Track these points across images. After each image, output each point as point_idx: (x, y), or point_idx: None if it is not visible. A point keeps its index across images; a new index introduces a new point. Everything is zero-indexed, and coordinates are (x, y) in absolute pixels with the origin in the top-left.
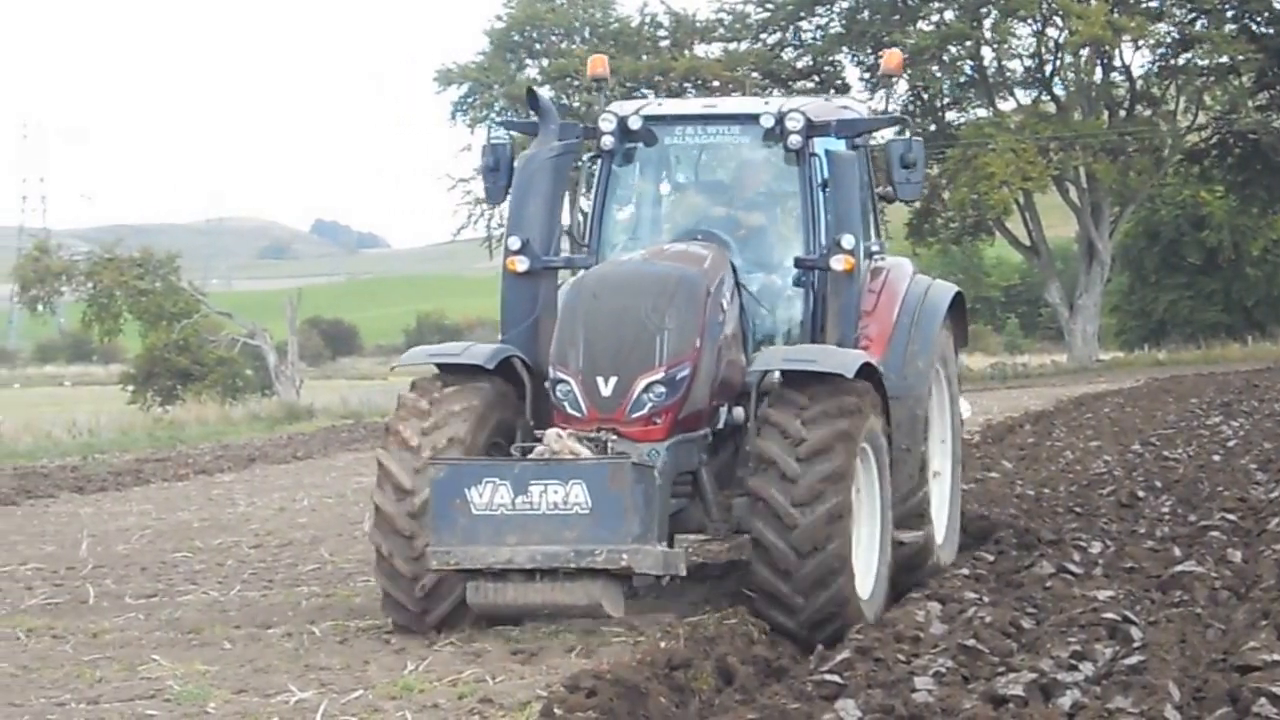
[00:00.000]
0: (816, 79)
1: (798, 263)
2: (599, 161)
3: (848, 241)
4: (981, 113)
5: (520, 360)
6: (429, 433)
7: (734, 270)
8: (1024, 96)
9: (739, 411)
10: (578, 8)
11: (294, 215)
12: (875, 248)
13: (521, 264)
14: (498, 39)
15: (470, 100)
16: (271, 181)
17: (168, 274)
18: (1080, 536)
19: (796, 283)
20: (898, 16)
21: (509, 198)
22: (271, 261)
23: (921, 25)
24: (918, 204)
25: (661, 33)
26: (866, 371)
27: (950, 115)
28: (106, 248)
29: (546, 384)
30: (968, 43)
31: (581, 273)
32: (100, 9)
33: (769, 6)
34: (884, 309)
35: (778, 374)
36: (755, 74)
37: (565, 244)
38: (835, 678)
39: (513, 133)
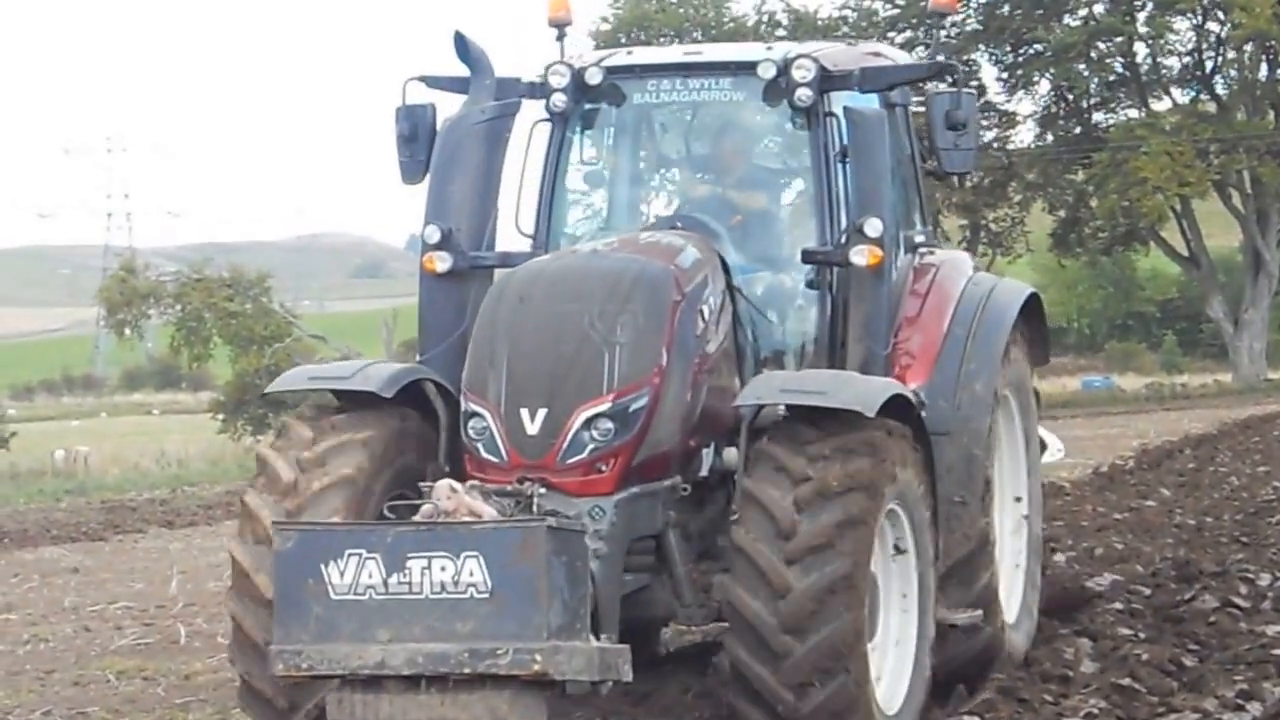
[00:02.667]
0: (950, 79)
1: (806, 257)
2: (550, 127)
3: (873, 228)
4: (1133, 113)
5: (436, 386)
6: (310, 469)
7: (725, 268)
8: (1180, 96)
9: (730, 454)
10: (689, 7)
11: (389, 232)
12: (920, 238)
13: (442, 262)
14: (604, 42)
15: None
16: (364, 196)
17: (258, 295)
18: (1247, 568)
19: (811, 284)
20: (1041, 11)
21: (428, 176)
22: (366, 280)
23: (1068, 20)
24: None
25: (780, 32)
26: (898, 405)
27: (1097, 116)
28: (195, 267)
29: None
30: (1119, 39)
31: (508, 271)
32: (188, 23)
33: (899, 3)
34: (931, 317)
35: (782, 409)
36: None
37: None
38: None
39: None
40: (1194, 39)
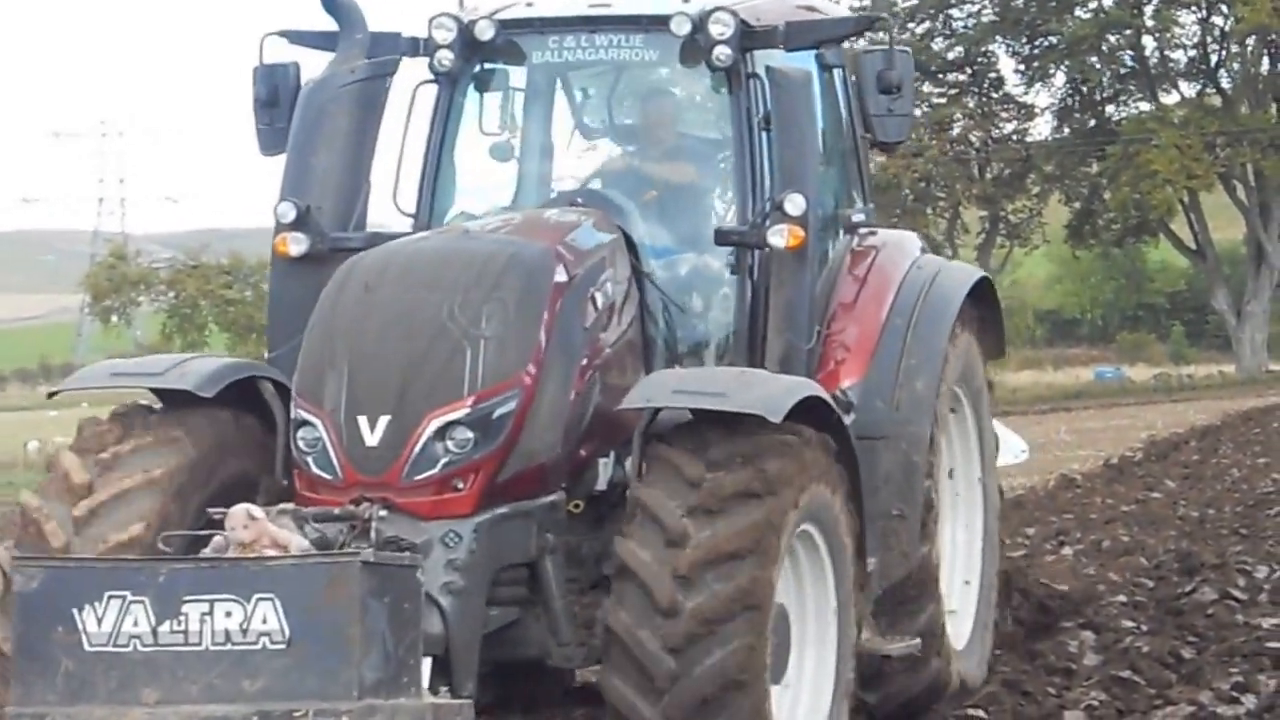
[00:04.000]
0: (969, 70)
1: (719, 237)
2: (436, 90)
3: (794, 205)
4: (1144, 106)
5: (277, 387)
6: (85, 524)
7: (631, 250)
8: (1188, 89)
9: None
10: None
11: (395, 218)
12: (860, 217)
13: (297, 244)
14: None
15: None
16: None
17: (259, 281)
18: (1245, 561)
19: (732, 269)
20: (1054, 3)
21: (288, 144)
22: None
23: (1080, 13)
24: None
25: None
26: (815, 408)
27: (1110, 110)
28: (191, 254)
29: None
30: (1128, 31)
31: (357, 255)
32: (184, 4)
33: None
34: (869, 305)
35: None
36: None
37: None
38: (979, 713)
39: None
40: (1199, 33)
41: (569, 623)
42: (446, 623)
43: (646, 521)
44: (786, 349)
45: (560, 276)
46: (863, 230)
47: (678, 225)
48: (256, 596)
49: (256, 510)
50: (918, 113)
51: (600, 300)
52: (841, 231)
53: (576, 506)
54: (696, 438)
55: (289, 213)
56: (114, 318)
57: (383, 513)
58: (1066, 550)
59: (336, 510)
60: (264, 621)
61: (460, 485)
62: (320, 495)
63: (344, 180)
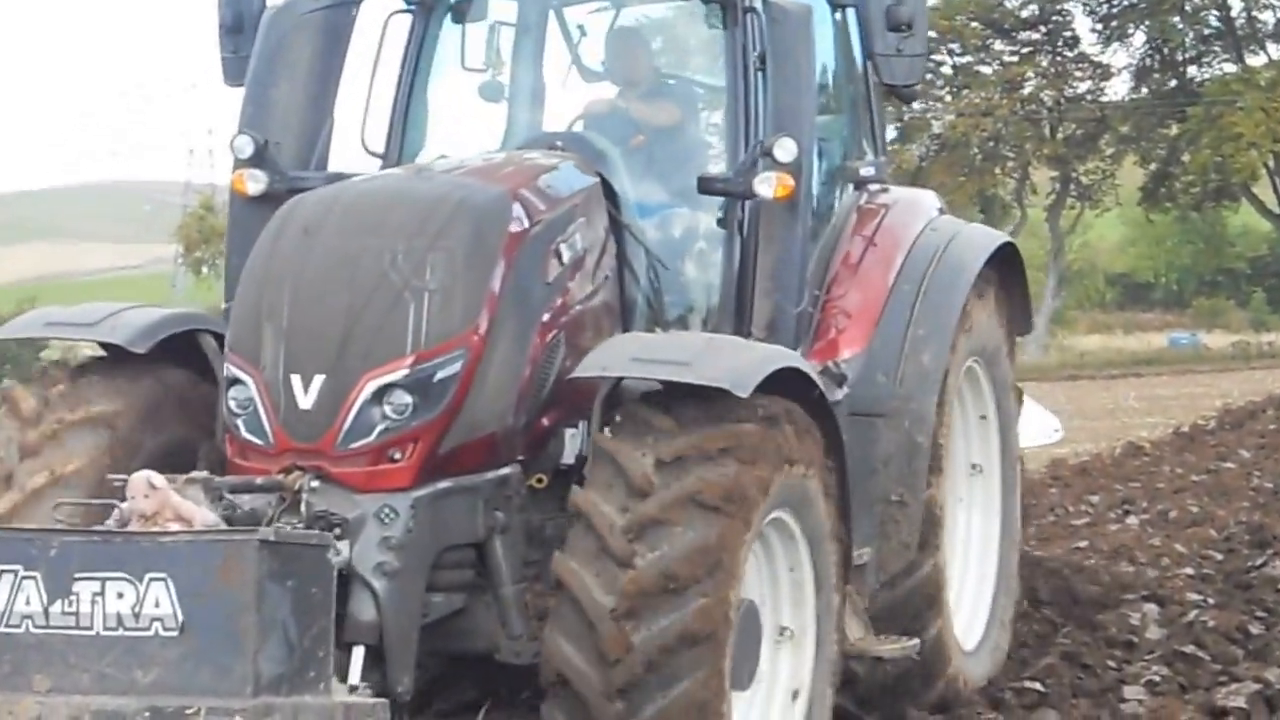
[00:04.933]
0: (1043, 29)
1: (703, 185)
2: (410, 20)
3: (785, 151)
4: (1229, 68)
5: (221, 340)
6: (28, 458)
7: (611, 199)
8: (1276, 51)
9: None
10: None
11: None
12: (869, 170)
13: (255, 182)
14: None
15: None
16: None
17: None
18: None
19: (721, 222)
20: None
21: (247, 74)
22: None
23: None
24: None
25: None
26: (797, 381)
27: (1192, 71)
28: None
29: None
30: None
31: (297, 196)
32: None
33: None
34: (875, 267)
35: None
36: (975, 23)
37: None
38: (1038, 685)
39: None
40: None
41: (520, 613)
42: (380, 608)
43: (608, 469)
44: (774, 313)
45: (517, 225)
46: (873, 186)
47: (666, 174)
48: (149, 576)
49: (158, 478)
50: (987, 70)
51: (567, 253)
52: (849, 186)
53: (540, 480)
54: (650, 420)
55: (246, 147)
56: (204, 269)
57: (314, 484)
58: (1131, 519)
59: (259, 480)
60: (156, 605)
61: (398, 455)
62: (251, 462)
63: (306, 115)
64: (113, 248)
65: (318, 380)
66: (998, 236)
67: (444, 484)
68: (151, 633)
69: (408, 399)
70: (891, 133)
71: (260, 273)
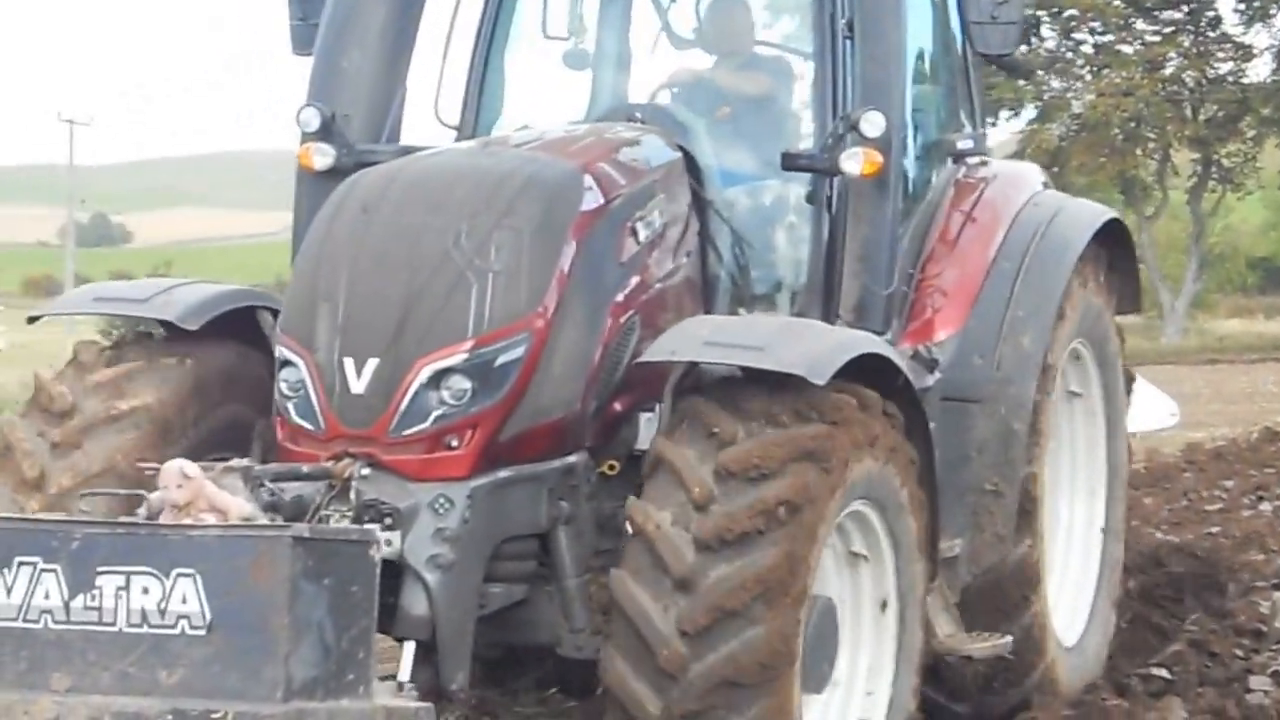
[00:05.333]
0: (1185, 8)
1: (786, 161)
2: None
3: (872, 125)
4: None
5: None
6: (64, 447)
7: (694, 174)
8: None
9: None
10: None
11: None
12: (967, 143)
13: (322, 156)
14: None
15: None
16: None
17: None
18: None
19: (810, 199)
20: None
21: (316, 42)
22: None
23: None
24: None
25: None
26: (880, 367)
27: None
28: None
29: None
30: None
31: (360, 172)
32: None
33: None
34: (973, 245)
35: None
36: (1117, 1)
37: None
38: (1163, 673)
39: None
40: None
41: (583, 605)
42: (432, 602)
43: (667, 478)
44: (862, 295)
45: (590, 202)
46: (972, 160)
47: (754, 148)
48: (176, 572)
49: (192, 467)
50: (1128, 49)
51: (644, 231)
52: (946, 160)
53: (611, 468)
54: (732, 396)
55: (313, 120)
56: None
57: (365, 471)
58: (1265, 506)
59: (305, 468)
60: (183, 602)
61: (454, 443)
62: (301, 448)
63: (377, 86)
64: (252, 214)
65: (371, 364)
66: (1104, 212)
67: (504, 473)
68: (177, 631)
69: (466, 385)
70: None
71: (315, 251)
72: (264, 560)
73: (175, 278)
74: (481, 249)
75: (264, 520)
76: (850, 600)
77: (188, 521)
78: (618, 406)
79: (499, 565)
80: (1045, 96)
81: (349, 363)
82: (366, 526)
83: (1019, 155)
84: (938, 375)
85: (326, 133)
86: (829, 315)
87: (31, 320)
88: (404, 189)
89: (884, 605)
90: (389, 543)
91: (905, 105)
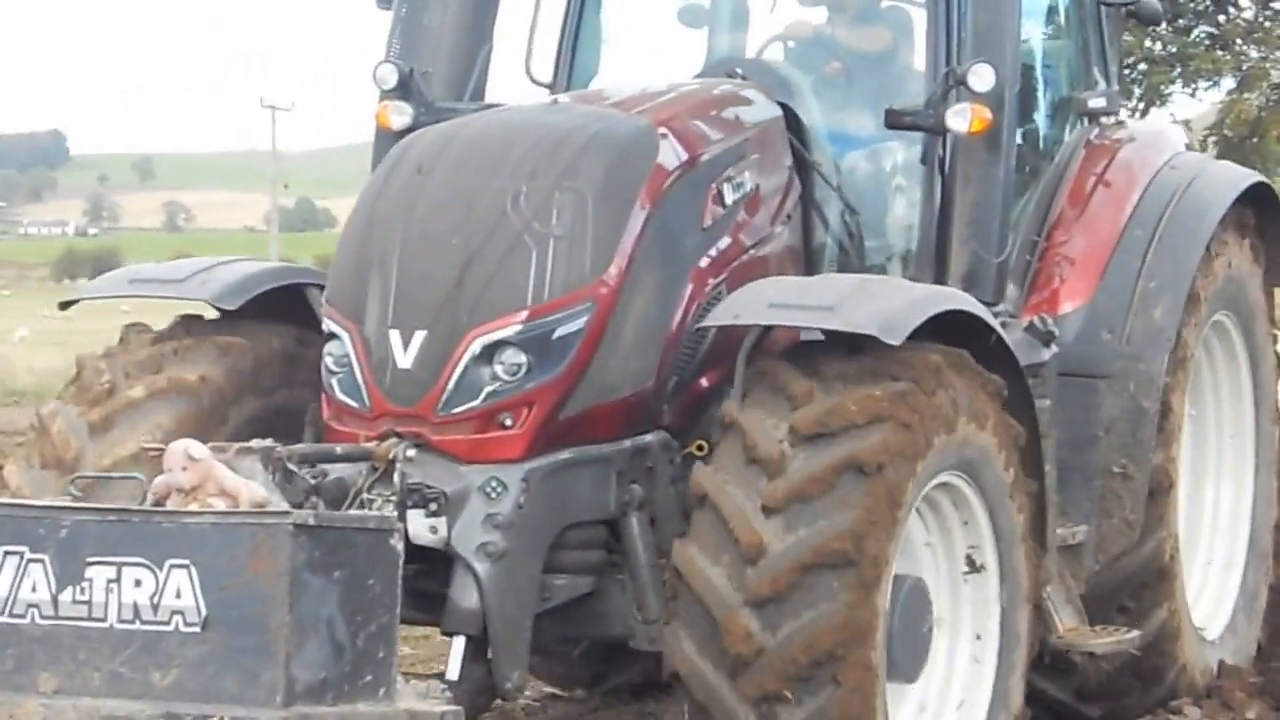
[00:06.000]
0: None
1: (890, 119)
2: None
3: (980, 78)
4: None
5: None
6: (103, 430)
7: (798, 133)
8: None
9: None
10: None
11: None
12: (1099, 101)
13: (400, 115)
14: None
15: None
16: None
17: None
18: None
19: (924, 160)
20: None
21: None
22: None
23: None
24: None
25: None
26: (972, 326)
27: None
28: None
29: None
30: None
31: (418, 131)
32: None
33: None
34: (1104, 210)
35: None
36: None
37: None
38: None
39: None
40: None
41: (657, 595)
42: (483, 594)
43: (736, 443)
44: (971, 262)
45: (665, 162)
46: (1106, 120)
47: (867, 106)
48: (170, 563)
49: (198, 448)
50: None
51: (731, 194)
52: (1077, 119)
53: (700, 448)
54: (807, 359)
55: (390, 77)
56: None
57: (410, 452)
58: None
59: (339, 448)
60: (178, 596)
61: (509, 422)
62: (346, 427)
63: (461, 40)
64: None
65: (419, 336)
66: (1248, 175)
67: (565, 454)
68: (171, 627)
69: (521, 358)
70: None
71: (365, 216)
72: (263, 550)
73: (220, 256)
74: (541, 212)
75: (282, 506)
76: (949, 583)
77: (193, 507)
78: (704, 382)
79: (563, 554)
80: (1244, 67)
81: (395, 335)
82: (386, 514)
83: (1218, 126)
84: (1055, 349)
85: (405, 90)
86: (939, 285)
87: (64, 306)
88: (461, 148)
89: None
90: (434, 529)
91: (1018, 57)
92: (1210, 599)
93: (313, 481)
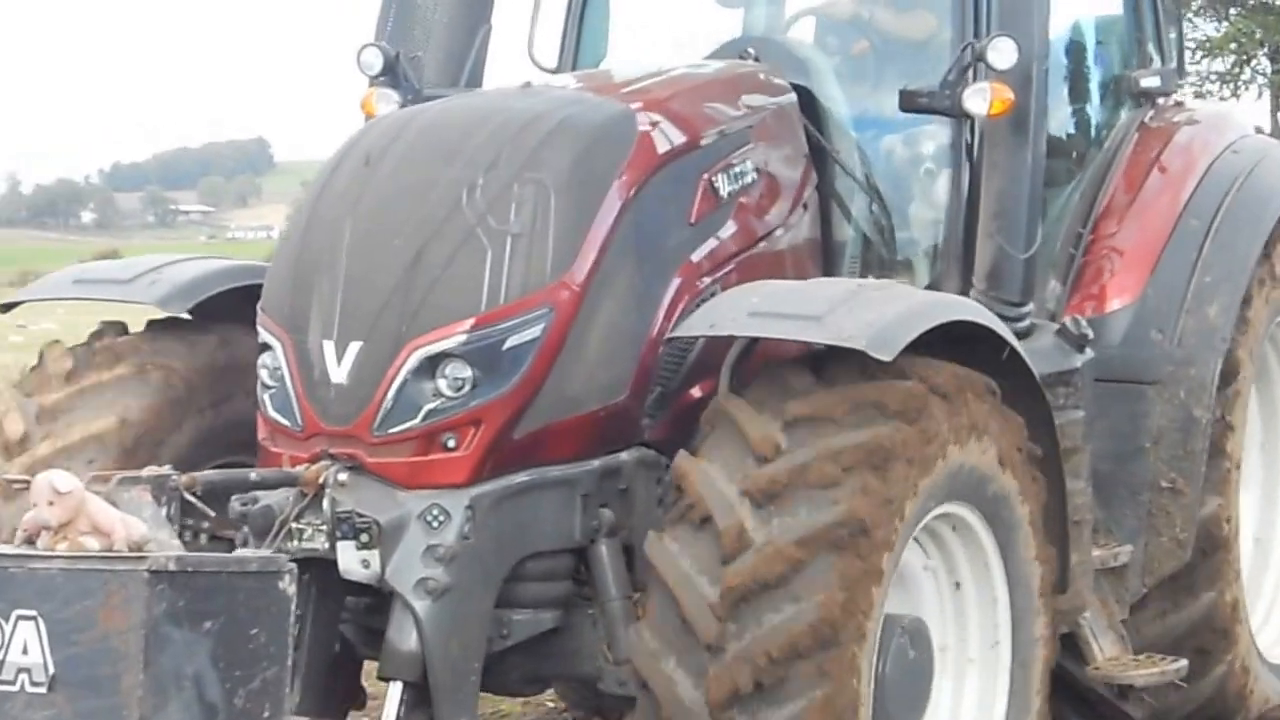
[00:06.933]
0: None
1: (905, 100)
2: None
3: (1000, 54)
4: None
5: None
6: (41, 438)
7: (815, 118)
8: None
9: None
10: None
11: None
12: (1153, 81)
13: (385, 103)
14: None
15: None
16: None
17: None
18: None
19: (954, 146)
20: None
21: None
22: None
23: None
24: None
25: None
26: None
27: None
28: None
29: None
30: None
31: (373, 119)
32: None
33: None
34: (1158, 199)
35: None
36: None
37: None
38: None
39: None
40: None
41: (630, 630)
42: (423, 636)
43: (725, 431)
44: (996, 259)
45: (644, 150)
46: (1162, 102)
47: (896, 90)
48: (16, 614)
49: (65, 480)
50: None
51: (726, 186)
52: (1129, 101)
53: (627, 473)
54: (783, 386)
55: (375, 62)
56: None
57: (342, 476)
58: None
59: (254, 474)
60: (24, 652)
61: (452, 443)
62: (279, 448)
63: (455, 21)
64: None
65: (354, 348)
66: None
67: (521, 477)
68: (17, 687)
69: (466, 372)
70: None
71: (307, 213)
72: (115, 601)
73: (170, 255)
74: (498, 206)
75: (171, 544)
76: (955, 626)
77: (62, 548)
78: (696, 392)
79: (522, 587)
80: None
81: (329, 346)
82: (271, 554)
83: None
84: (1090, 354)
85: (392, 75)
86: (965, 285)
87: (4, 309)
88: (415, 137)
89: (996, 642)
90: (366, 563)
91: (1046, 30)
92: (1265, 631)
93: (241, 509)
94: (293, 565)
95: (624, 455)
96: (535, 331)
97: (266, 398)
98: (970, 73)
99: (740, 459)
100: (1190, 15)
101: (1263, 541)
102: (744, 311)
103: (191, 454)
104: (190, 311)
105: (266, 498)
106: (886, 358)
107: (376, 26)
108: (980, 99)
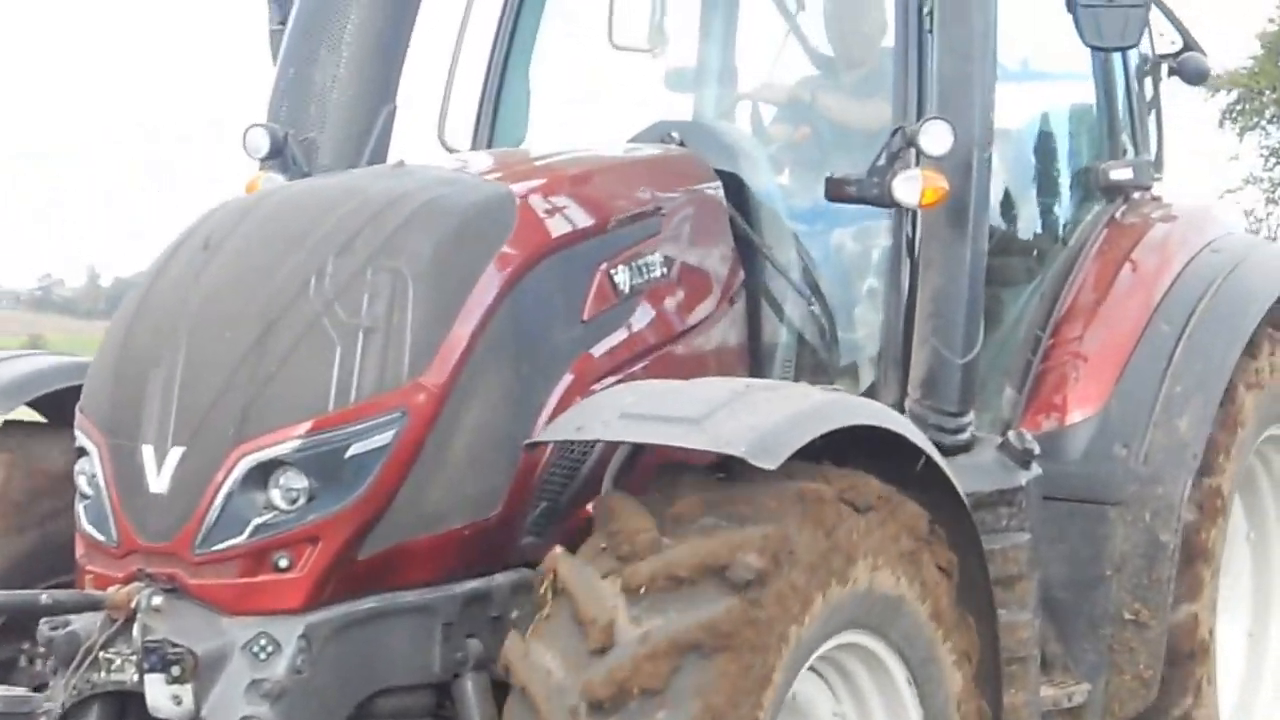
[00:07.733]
0: None
1: (831, 188)
2: None
3: (934, 140)
4: None
5: None
6: None
7: (744, 209)
8: None
9: None
10: None
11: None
12: (1125, 173)
13: (273, 187)
14: (1271, 43)
15: (1240, 107)
16: None
17: None
18: None
19: (895, 238)
20: None
21: (281, 48)
22: None
23: None
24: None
25: None
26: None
27: None
28: None
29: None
30: None
31: (223, 201)
32: None
33: None
34: (1126, 301)
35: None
36: None
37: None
38: None
39: None
40: None
41: None
42: None
43: (563, 608)
44: (932, 363)
45: (525, 237)
46: (1137, 196)
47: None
48: None
49: None
50: None
51: (627, 279)
52: (1097, 194)
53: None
54: (667, 487)
55: (262, 143)
56: None
57: (157, 600)
58: None
59: (45, 598)
60: None
61: (284, 563)
62: (95, 566)
63: (356, 100)
64: None
65: (175, 454)
66: None
67: (368, 603)
68: None
69: (301, 483)
70: None
71: (135, 302)
72: None
73: (8, 350)
74: (347, 296)
75: None
76: None
77: None
78: (592, 508)
79: None
80: None
81: (148, 451)
82: (26, 694)
83: None
84: (1036, 471)
85: (278, 155)
86: (901, 393)
87: None
88: (262, 219)
89: None
90: (178, 700)
91: (989, 114)
92: None
93: (50, 633)
94: (51, 706)
95: (498, 578)
96: (385, 438)
97: (82, 509)
98: (903, 159)
99: (577, 651)
100: (1265, 123)
101: (1255, 635)
102: (615, 413)
103: (25, 568)
104: (44, 414)
105: (77, 622)
106: (770, 465)
107: (269, 105)
108: (911, 187)
